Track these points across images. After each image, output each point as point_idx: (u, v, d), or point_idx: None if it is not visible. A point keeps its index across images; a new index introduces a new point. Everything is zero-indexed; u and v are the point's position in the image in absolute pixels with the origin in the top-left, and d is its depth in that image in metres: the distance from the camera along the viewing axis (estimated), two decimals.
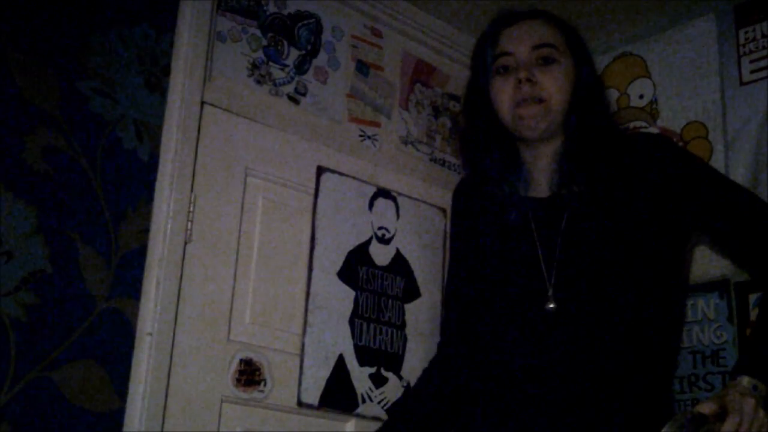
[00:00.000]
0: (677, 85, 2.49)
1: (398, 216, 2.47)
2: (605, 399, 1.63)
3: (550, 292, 1.69)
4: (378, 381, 2.30)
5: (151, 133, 2.05)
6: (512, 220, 1.78)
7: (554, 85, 1.74)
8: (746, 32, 2.36)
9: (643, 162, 1.74)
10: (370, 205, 2.42)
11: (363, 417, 2.25)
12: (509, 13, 1.84)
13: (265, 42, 2.31)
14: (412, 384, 2.32)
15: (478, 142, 1.84)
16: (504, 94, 1.76)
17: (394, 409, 2.15)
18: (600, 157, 1.74)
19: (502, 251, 1.79)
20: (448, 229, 2.47)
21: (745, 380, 1.55)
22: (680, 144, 2.42)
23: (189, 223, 2.06)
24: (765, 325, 1.69)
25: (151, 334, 1.95)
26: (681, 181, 1.73)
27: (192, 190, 2.08)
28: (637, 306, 1.67)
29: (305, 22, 2.41)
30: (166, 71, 2.10)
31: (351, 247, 2.34)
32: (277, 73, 2.32)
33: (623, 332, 1.66)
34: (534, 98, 1.73)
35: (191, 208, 2.07)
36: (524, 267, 1.74)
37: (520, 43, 1.77)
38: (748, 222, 1.74)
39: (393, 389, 2.32)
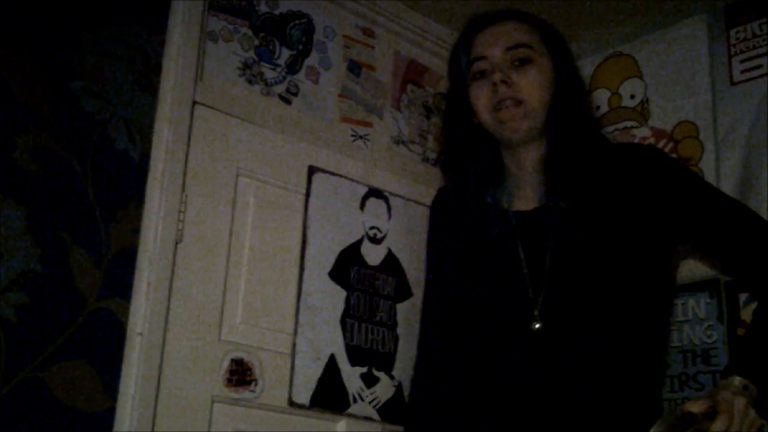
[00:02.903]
0: (668, 84, 2.49)
1: (390, 216, 2.47)
2: (593, 418, 1.62)
3: (536, 312, 1.68)
4: (369, 381, 2.30)
5: (142, 132, 2.04)
6: (496, 234, 1.76)
7: (531, 86, 1.72)
8: (737, 32, 2.37)
9: (632, 173, 1.72)
10: (362, 205, 2.42)
11: (354, 417, 2.25)
12: (481, 16, 1.82)
13: (256, 42, 2.31)
14: (404, 384, 2.32)
15: (460, 150, 1.83)
16: (482, 98, 1.75)
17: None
18: (586, 166, 1.72)
19: (485, 267, 1.77)
20: None
21: (737, 380, 1.55)
22: (671, 144, 2.43)
23: (180, 223, 2.06)
24: (758, 327, 1.69)
25: (141, 334, 1.94)
26: (671, 193, 1.72)
27: (183, 190, 2.08)
28: (627, 324, 1.66)
29: (297, 21, 2.41)
30: (158, 71, 2.10)
31: (342, 247, 2.34)
32: (269, 73, 2.32)
33: (612, 351, 1.65)
34: (512, 100, 1.71)
35: (182, 208, 2.07)
36: (509, 285, 1.72)
37: (493, 46, 1.76)
38: (738, 231, 1.73)
39: (384, 389, 2.32)
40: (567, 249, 1.69)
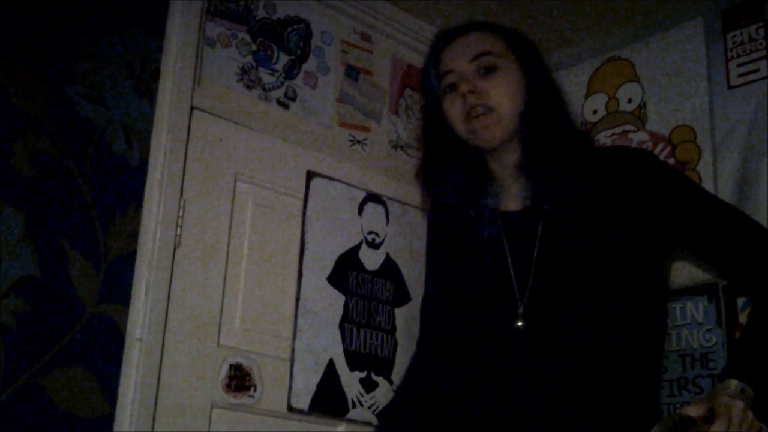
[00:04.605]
0: (665, 88, 2.49)
1: (388, 220, 2.47)
2: (578, 419, 1.62)
3: (521, 310, 1.68)
4: (368, 386, 2.30)
5: (140, 138, 2.05)
6: (485, 236, 1.77)
7: (499, 92, 1.73)
8: (734, 36, 2.37)
9: (621, 176, 1.72)
10: (360, 210, 2.42)
11: (353, 422, 2.25)
12: (447, 31, 1.85)
13: (254, 47, 2.31)
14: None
15: (442, 162, 1.84)
16: (455, 110, 1.76)
17: (384, 415, 2.10)
18: (565, 168, 1.73)
19: (473, 267, 1.78)
20: None
21: (734, 383, 1.54)
22: (668, 148, 2.43)
23: (178, 228, 2.06)
24: (754, 330, 1.69)
25: (140, 339, 1.95)
26: (662, 196, 1.71)
27: (181, 195, 2.08)
28: (612, 326, 1.65)
29: (294, 27, 2.41)
30: (156, 76, 2.10)
31: (341, 252, 2.34)
32: (267, 78, 2.32)
33: (597, 351, 1.64)
34: (482, 107, 1.73)
35: (180, 213, 2.07)
36: (495, 284, 1.72)
37: (458, 58, 1.77)
38: (731, 235, 1.73)
39: (383, 394, 2.32)
40: (552, 250, 1.70)
